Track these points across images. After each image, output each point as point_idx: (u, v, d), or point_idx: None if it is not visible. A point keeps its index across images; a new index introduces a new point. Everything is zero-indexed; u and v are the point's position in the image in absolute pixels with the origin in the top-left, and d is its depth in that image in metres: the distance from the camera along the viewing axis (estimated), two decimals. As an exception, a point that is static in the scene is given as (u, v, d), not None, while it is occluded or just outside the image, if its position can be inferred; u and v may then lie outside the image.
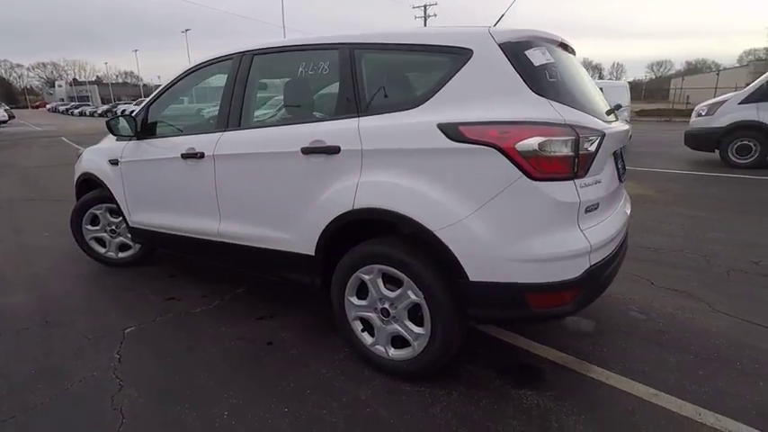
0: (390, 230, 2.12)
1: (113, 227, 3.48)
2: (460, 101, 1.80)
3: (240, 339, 2.48)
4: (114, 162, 3.15)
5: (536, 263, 1.70)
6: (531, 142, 1.63)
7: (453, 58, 1.84)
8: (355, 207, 1.96)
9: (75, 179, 3.56)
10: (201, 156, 2.54)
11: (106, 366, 2.24)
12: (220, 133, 2.50)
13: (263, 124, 2.53)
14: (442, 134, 1.77)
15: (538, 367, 2.18)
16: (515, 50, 1.77)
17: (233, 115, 2.47)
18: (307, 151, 2.10)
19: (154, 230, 3.04)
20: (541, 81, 1.74)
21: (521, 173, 1.65)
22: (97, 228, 3.50)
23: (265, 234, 2.37)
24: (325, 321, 2.63)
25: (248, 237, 2.46)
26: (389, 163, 1.89)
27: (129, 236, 3.40)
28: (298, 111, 2.37)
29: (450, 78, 1.83)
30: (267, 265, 2.49)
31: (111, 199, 3.32)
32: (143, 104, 3.03)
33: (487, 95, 1.77)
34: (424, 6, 34.61)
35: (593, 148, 1.72)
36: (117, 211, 3.42)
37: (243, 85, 2.46)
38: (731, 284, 3.04)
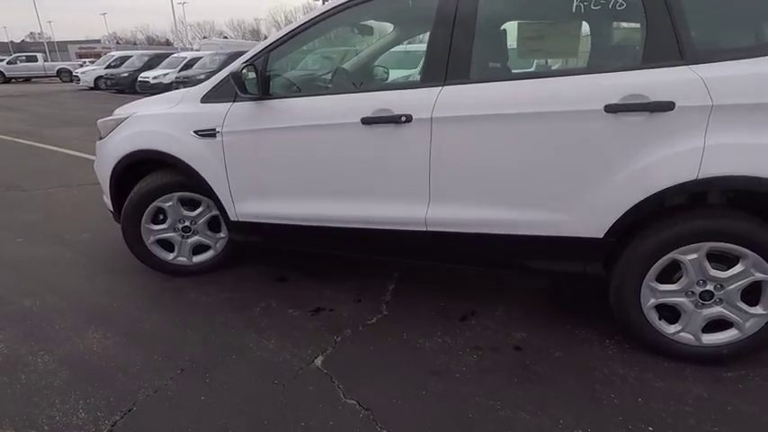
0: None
1: (188, 223, 2.55)
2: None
3: (479, 350, 1.99)
4: (208, 133, 2.23)
5: None
6: None
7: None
8: (701, 176, 1.60)
9: (113, 164, 2.48)
10: (407, 119, 1.89)
11: (355, 418, 1.62)
12: (438, 88, 1.87)
13: (513, 75, 1.94)
14: (840, 82, 1.49)
15: None
16: None
17: (456, 64, 1.85)
18: (615, 109, 1.65)
19: (285, 224, 2.26)
20: None
21: None
22: (163, 226, 2.52)
23: (520, 217, 1.88)
24: (538, 309, 2.26)
25: (485, 222, 1.93)
26: (755, 121, 1.56)
27: (221, 234, 2.54)
28: (580, 58, 1.86)
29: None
30: (507, 254, 2.00)
31: (193, 185, 2.39)
32: (255, 51, 2.15)
33: None
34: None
35: None
36: (193, 202, 2.51)
37: (469, 25, 1.83)
38: None
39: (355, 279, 2.61)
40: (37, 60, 24.89)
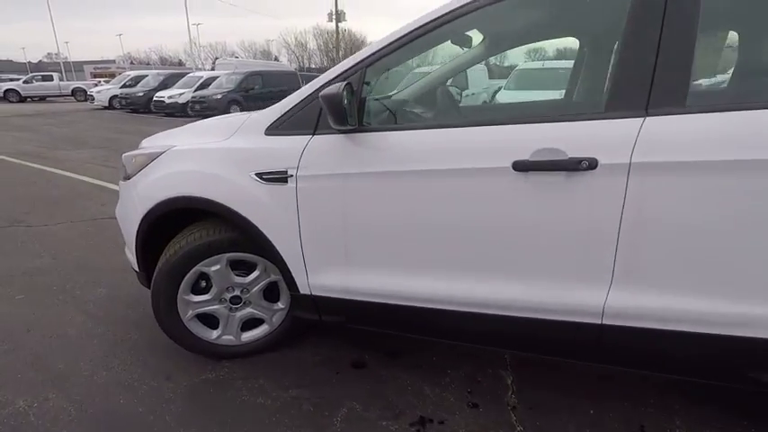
0: None
1: (238, 292, 1.93)
2: None
3: None
4: (276, 177, 1.63)
5: None
6: None
7: None
8: None
9: (142, 213, 1.86)
10: (590, 165, 1.27)
11: None
12: (637, 120, 1.25)
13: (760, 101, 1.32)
14: None
15: None
16: None
17: (665, 84, 1.24)
18: None
19: (383, 303, 1.63)
20: None
21: None
22: (206, 297, 1.90)
23: (765, 312, 1.24)
24: (735, 422, 1.59)
25: (702, 317, 1.28)
26: None
27: (279, 304, 1.93)
28: None
29: None
30: (726, 363, 1.35)
31: (250, 244, 1.78)
32: (348, 66, 1.56)
33: None
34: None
35: None
36: (246, 264, 1.89)
37: (686, 28, 1.23)
38: None
39: (456, 365, 1.96)
40: (53, 80, 24.86)
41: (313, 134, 1.60)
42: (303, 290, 1.74)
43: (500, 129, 1.41)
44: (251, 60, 32.10)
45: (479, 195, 1.41)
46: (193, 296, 1.88)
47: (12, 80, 24.68)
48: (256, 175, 1.66)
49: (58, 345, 2.14)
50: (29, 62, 65.18)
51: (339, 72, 1.54)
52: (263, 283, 1.91)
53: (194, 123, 2.16)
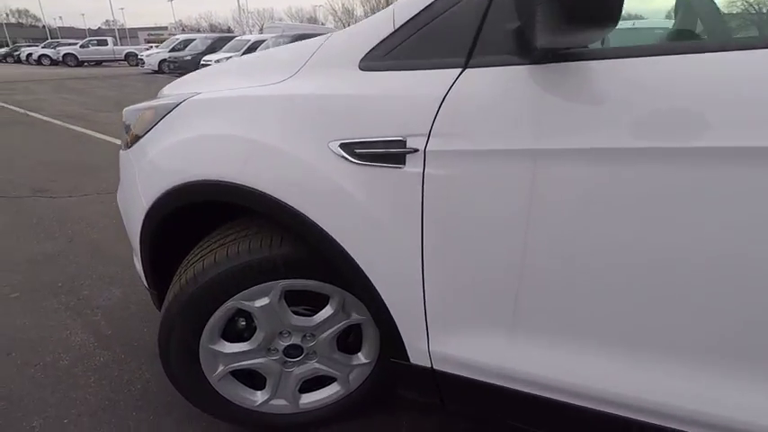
0: None
1: (296, 339, 1.19)
2: None
3: None
4: (384, 152, 0.84)
5: None
6: None
7: None
8: None
9: (147, 205, 1.14)
10: None
11: None
12: None
13: None
14: None
15: None
16: None
17: None
18: None
19: (577, 406, 0.84)
20: None
21: None
22: (246, 347, 1.18)
23: None
24: None
25: None
26: None
27: (361, 358, 1.18)
28: None
29: None
30: None
31: (320, 268, 1.03)
32: None
33: None
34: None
35: None
36: (313, 297, 1.14)
37: None
38: None
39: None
40: (107, 44, 25.20)
41: (465, 66, 0.78)
42: (416, 359, 0.96)
43: None
44: (298, 24, 31.25)
45: None
46: (226, 344, 1.15)
47: (70, 44, 25.22)
48: (342, 146, 0.87)
49: (40, 382, 1.50)
50: (88, 29, 67.55)
51: None
52: (337, 327, 1.15)
53: (238, 58, 1.39)
